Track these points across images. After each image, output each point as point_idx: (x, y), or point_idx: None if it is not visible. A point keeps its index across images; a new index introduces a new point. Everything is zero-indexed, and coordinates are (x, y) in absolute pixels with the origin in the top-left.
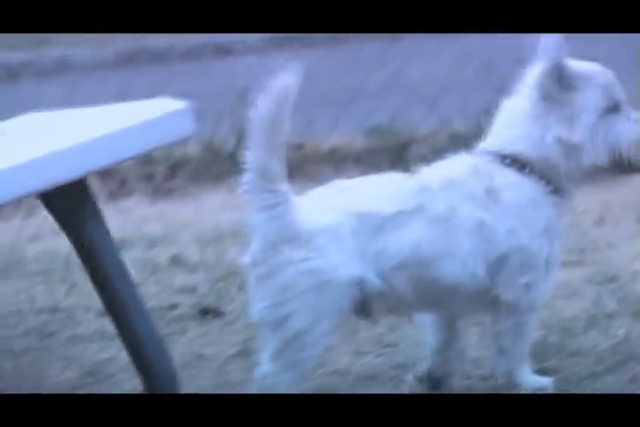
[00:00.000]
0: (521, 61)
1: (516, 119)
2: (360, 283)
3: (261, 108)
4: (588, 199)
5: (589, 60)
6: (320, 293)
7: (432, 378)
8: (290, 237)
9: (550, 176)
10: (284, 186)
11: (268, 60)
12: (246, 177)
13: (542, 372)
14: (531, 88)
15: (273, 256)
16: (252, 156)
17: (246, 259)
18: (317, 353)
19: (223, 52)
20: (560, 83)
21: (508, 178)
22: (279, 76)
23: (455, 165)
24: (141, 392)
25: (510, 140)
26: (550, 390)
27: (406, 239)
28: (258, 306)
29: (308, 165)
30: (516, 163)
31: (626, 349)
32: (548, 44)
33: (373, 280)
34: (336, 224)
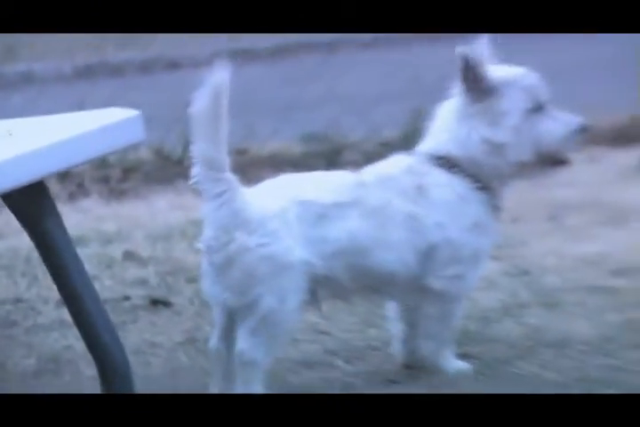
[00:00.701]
0: (446, 74)
1: (446, 123)
2: (309, 265)
3: (199, 103)
4: (504, 199)
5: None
6: (281, 275)
7: (410, 364)
8: (241, 222)
9: (478, 174)
10: (230, 175)
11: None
12: (195, 169)
13: (462, 356)
14: (456, 94)
15: (228, 243)
16: (197, 148)
17: (200, 246)
18: (291, 327)
19: (173, 66)
20: (479, 89)
21: (437, 176)
22: (211, 74)
23: (392, 164)
24: (96, 377)
25: (441, 141)
26: (470, 374)
27: (344, 229)
28: (223, 294)
29: (250, 169)
30: (446, 162)
31: (537, 336)
32: (474, 51)
33: (318, 264)
34: (282, 210)
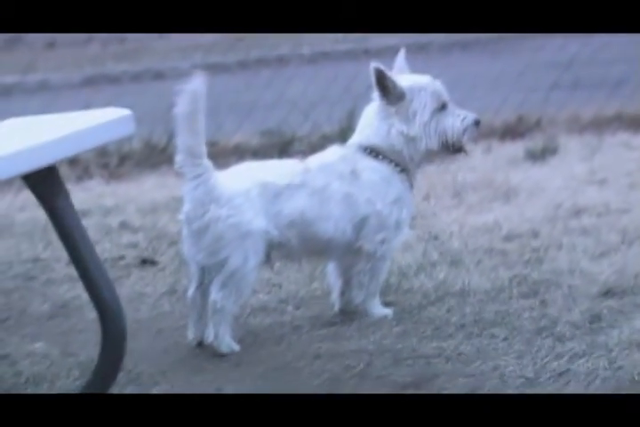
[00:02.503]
0: (370, 83)
1: (370, 120)
2: (266, 233)
3: (181, 104)
4: (417, 180)
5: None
6: (244, 240)
7: (345, 310)
8: (213, 198)
9: (398, 160)
10: (206, 161)
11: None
12: (178, 156)
13: (385, 304)
14: (377, 99)
15: (203, 214)
16: (180, 140)
17: (181, 217)
18: (252, 281)
19: (159, 76)
20: (392, 94)
21: (366, 163)
22: (190, 82)
23: (330, 153)
24: (97, 320)
25: (367, 135)
26: (391, 317)
27: (294, 205)
28: (199, 254)
29: (219, 158)
30: (372, 151)
31: (444, 288)
32: (396, 64)
33: (274, 232)
34: (247, 189)
